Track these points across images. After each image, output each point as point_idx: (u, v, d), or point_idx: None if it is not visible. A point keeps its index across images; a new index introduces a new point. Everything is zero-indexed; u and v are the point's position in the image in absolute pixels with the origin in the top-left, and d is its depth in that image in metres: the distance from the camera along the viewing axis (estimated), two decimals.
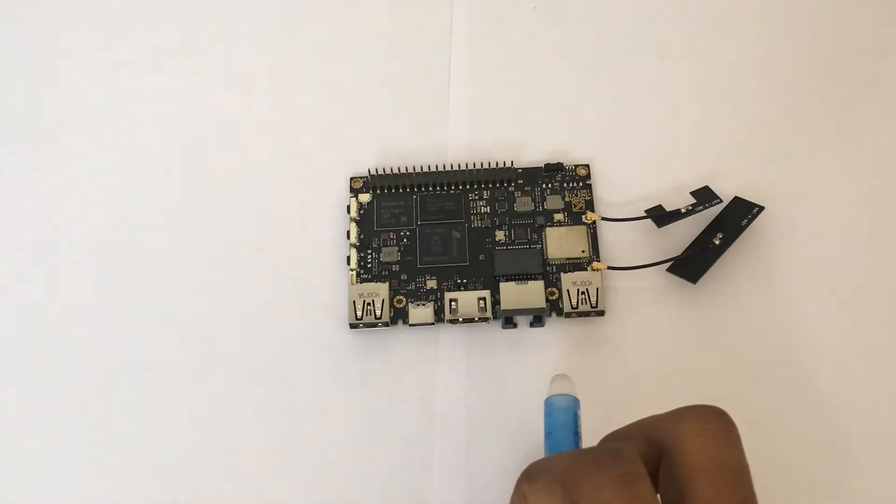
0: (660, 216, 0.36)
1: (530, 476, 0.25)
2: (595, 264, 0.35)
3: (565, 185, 0.38)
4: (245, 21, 0.43)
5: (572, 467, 0.24)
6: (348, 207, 0.37)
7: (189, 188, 0.38)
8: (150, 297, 0.36)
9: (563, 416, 0.29)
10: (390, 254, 0.36)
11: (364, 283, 0.35)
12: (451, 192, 0.38)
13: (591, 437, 0.33)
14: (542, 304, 0.34)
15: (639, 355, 0.34)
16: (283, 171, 0.39)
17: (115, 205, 0.38)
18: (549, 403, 0.29)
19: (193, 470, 0.33)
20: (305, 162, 0.39)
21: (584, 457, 0.24)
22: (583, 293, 0.35)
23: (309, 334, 0.35)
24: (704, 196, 0.36)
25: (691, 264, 0.35)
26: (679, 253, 0.36)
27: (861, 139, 0.38)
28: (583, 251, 0.36)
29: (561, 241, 0.36)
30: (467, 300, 0.35)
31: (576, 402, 0.29)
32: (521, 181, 0.38)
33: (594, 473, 0.23)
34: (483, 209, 0.37)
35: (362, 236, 0.37)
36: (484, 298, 0.35)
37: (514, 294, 0.34)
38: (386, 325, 0.35)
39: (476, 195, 0.37)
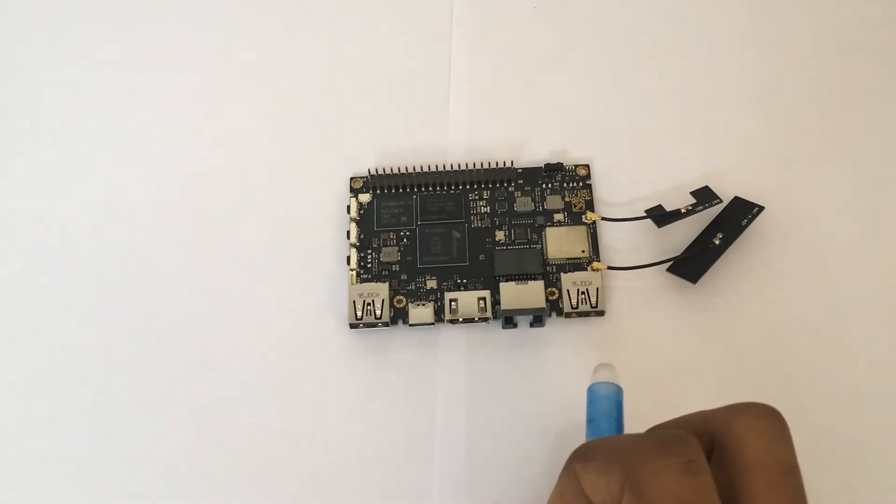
0: (660, 216, 0.36)
1: (585, 455, 0.25)
2: (595, 264, 0.35)
3: (565, 185, 0.38)
4: (246, 21, 0.43)
5: (633, 450, 0.23)
6: (348, 207, 0.37)
7: (189, 188, 0.39)
8: (150, 297, 0.36)
9: (605, 404, 0.29)
10: (390, 254, 0.36)
11: (364, 283, 0.35)
12: (451, 192, 0.38)
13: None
14: (542, 304, 0.34)
15: (639, 355, 0.34)
16: (283, 171, 0.39)
17: (115, 204, 0.38)
18: (591, 391, 0.30)
19: (193, 470, 0.33)
20: (305, 162, 0.39)
21: (647, 441, 0.24)
22: (583, 293, 0.35)
23: (309, 334, 0.35)
24: (704, 196, 0.36)
25: (691, 264, 0.35)
26: (679, 253, 0.36)
27: (861, 139, 0.38)
28: (583, 251, 0.36)
29: (561, 241, 0.36)
30: (467, 300, 0.35)
31: (619, 390, 0.29)
32: (521, 181, 0.38)
33: (657, 458, 0.23)
34: (483, 209, 0.37)
35: (362, 236, 0.37)
36: (484, 298, 0.35)
37: (514, 294, 0.34)
38: (386, 325, 0.35)
39: (476, 195, 0.37)
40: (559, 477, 0.26)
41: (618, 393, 0.29)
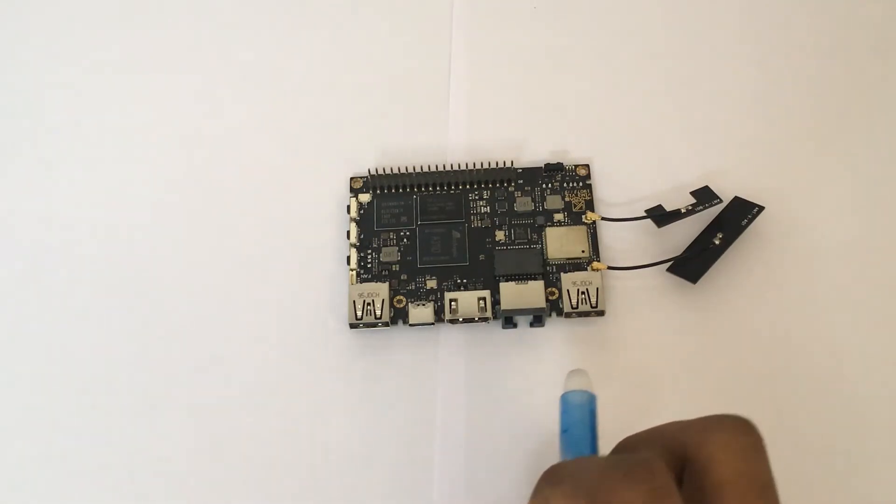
0: (660, 216, 0.36)
1: (554, 480, 0.25)
2: (595, 264, 0.35)
3: (565, 185, 0.38)
4: (246, 21, 0.43)
5: (601, 477, 0.23)
6: (348, 207, 0.37)
7: (189, 188, 0.39)
8: (151, 297, 0.36)
9: (579, 413, 0.28)
10: (390, 254, 0.36)
11: (364, 283, 0.35)
12: (451, 192, 0.38)
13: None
14: (542, 304, 0.34)
15: (639, 355, 0.34)
16: (284, 171, 0.39)
17: (115, 205, 0.38)
18: (564, 400, 0.29)
19: (193, 470, 0.33)
20: (305, 162, 0.39)
21: (614, 468, 0.23)
22: (583, 293, 0.35)
23: (309, 334, 0.35)
24: (704, 196, 0.36)
25: (691, 264, 0.35)
26: (679, 253, 0.36)
27: (861, 139, 0.38)
28: (583, 251, 0.36)
29: (561, 241, 0.36)
30: (467, 300, 0.35)
31: (592, 398, 0.29)
32: (521, 181, 0.38)
33: (624, 487, 0.23)
34: (483, 209, 0.37)
35: (362, 236, 0.37)
36: (484, 298, 0.35)
37: (514, 294, 0.34)
38: (386, 325, 0.35)
39: (476, 195, 0.37)
40: (530, 499, 0.25)
41: (591, 401, 0.29)
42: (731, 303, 0.35)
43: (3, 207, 0.38)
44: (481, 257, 0.36)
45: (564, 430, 0.28)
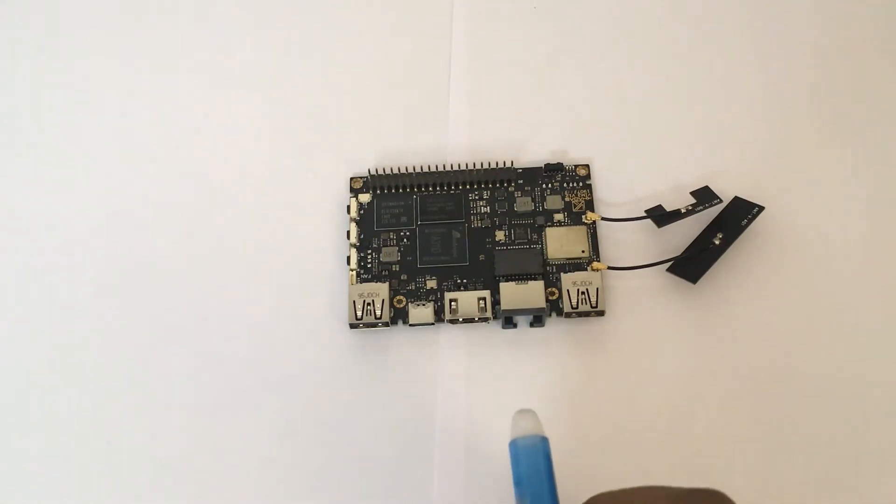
0: (660, 216, 0.36)
1: None
2: (595, 264, 0.35)
3: (565, 185, 0.38)
4: (246, 22, 0.43)
5: None
6: (348, 207, 0.37)
7: (189, 188, 0.39)
8: (151, 297, 0.36)
9: (532, 462, 0.26)
10: (390, 254, 0.36)
11: (364, 283, 0.35)
12: (451, 192, 0.38)
13: (588, 445, 0.33)
14: (542, 304, 0.34)
15: (639, 355, 0.34)
16: (284, 172, 0.39)
17: (115, 204, 0.38)
18: (514, 446, 0.27)
19: (193, 470, 0.33)
20: (305, 162, 0.39)
21: None
22: (583, 293, 0.35)
23: (309, 334, 0.35)
24: (704, 196, 0.36)
25: (691, 264, 0.35)
26: (679, 253, 0.36)
27: (861, 139, 0.38)
28: (583, 251, 0.36)
29: (561, 241, 0.36)
30: (467, 300, 0.35)
31: (544, 441, 0.27)
32: (521, 181, 0.38)
33: None
34: (483, 209, 0.37)
35: (362, 236, 0.37)
36: (484, 298, 0.35)
37: (514, 294, 0.34)
38: (386, 325, 0.35)
39: (476, 195, 0.37)
40: None
41: (544, 445, 0.26)
42: (731, 303, 0.35)
43: (3, 207, 0.38)
44: (481, 257, 0.36)
45: (517, 482, 0.26)
